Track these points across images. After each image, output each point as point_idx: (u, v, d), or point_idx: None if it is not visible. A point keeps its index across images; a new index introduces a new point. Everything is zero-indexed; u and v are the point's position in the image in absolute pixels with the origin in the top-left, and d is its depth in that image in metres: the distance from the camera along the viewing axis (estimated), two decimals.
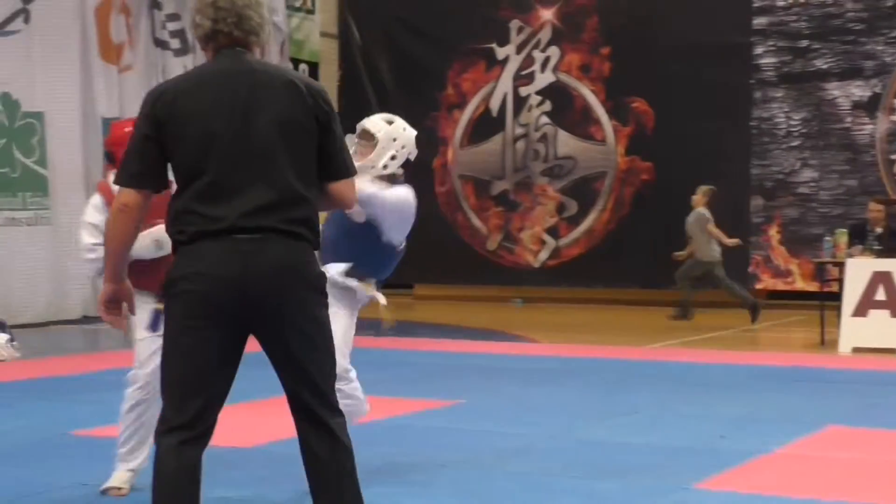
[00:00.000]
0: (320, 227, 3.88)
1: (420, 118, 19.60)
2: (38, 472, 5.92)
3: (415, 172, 21.67)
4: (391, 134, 5.54)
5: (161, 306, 4.99)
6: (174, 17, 16.68)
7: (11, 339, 10.89)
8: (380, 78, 19.98)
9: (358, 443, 6.61)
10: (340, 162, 3.90)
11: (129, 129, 5.27)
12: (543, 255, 19.10)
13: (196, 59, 16.95)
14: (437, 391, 8.85)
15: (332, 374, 3.91)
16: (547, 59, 19.00)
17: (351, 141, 5.35)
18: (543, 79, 19.02)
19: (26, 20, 14.46)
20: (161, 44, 16.47)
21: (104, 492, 5.33)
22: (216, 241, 3.68)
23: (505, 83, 19.27)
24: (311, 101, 3.79)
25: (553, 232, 19.04)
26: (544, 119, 19.02)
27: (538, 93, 19.06)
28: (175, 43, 16.70)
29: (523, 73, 19.16)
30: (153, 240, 5.17)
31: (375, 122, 5.56)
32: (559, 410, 8.01)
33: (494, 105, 19.34)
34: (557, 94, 18.90)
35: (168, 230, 3.79)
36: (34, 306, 14.48)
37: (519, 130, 19.23)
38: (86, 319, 14.78)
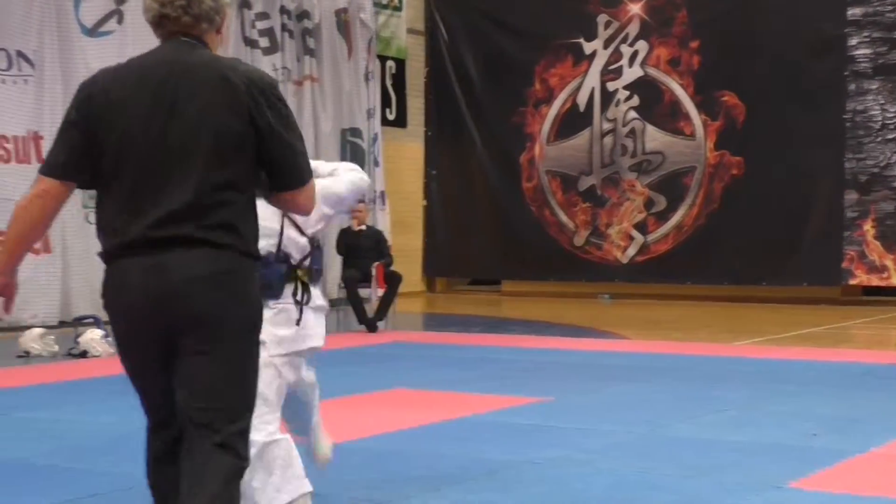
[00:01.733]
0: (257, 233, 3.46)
1: (507, 114, 19.60)
2: (132, 466, 6.00)
3: (502, 169, 21.85)
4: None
5: None
6: (263, 15, 16.84)
7: (105, 335, 11.06)
8: (467, 74, 19.99)
9: (446, 439, 6.65)
10: (287, 169, 3.42)
11: None
12: (631, 251, 18.97)
13: (284, 57, 17.11)
14: (525, 388, 8.82)
15: (238, 413, 3.40)
16: (635, 54, 18.86)
17: None
18: (631, 73, 18.89)
19: (119, 21, 14.68)
20: (250, 42, 16.63)
21: None
22: (127, 259, 3.33)
23: (592, 78, 19.17)
24: (249, 100, 3.35)
25: (641, 227, 18.90)
26: (632, 114, 18.88)
27: (626, 87, 18.94)
28: (264, 41, 16.86)
29: (611, 67, 19.04)
30: None
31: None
32: (649, 408, 7.94)
33: (582, 100, 19.25)
34: (645, 89, 18.76)
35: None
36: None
37: (606, 125, 19.11)
38: None
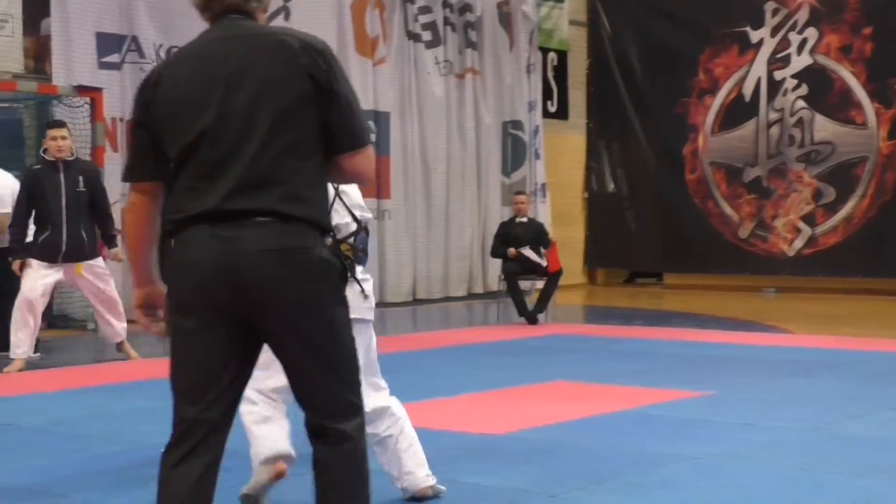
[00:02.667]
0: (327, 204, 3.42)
1: (670, 105, 19.37)
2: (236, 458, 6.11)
3: (665, 160, 21.64)
4: None
5: None
6: (426, 9, 16.98)
7: None
8: (629, 65, 19.82)
9: (607, 433, 6.62)
10: (346, 130, 3.34)
11: None
12: (798, 244, 18.55)
13: (447, 50, 17.23)
14: (688, 381, 8.71)
15: (347, 379, 3.37)
16: (804, 41, 18.41)
17: None
18: (800, 61, 18.45)
19: (286, 17, 15.00)
20: (413, 36, 16.80)
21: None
22: (197, 228, 3.26)
23: (759, 67, 18.79)
24: (306, 60, 3.29)
25: (809, 219, 18.46)
26: (800, 103, 18.44)
27: (794, 76, 18.50)
28: (427, 35, 17.01)
29: (778, 56, 18.63)
30: None
31: None
32: (815, 404, 7.75)
33: (747, 90, 18.89)
34: (815, 77, 18.30)
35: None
36: None
37: (773, 115, 18.71)
38: None
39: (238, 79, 3.30)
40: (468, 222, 17.58)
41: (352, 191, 4.95)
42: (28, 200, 9.46)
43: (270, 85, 3.29)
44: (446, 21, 17.30)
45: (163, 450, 3.36)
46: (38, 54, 13.15)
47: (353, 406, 3.38)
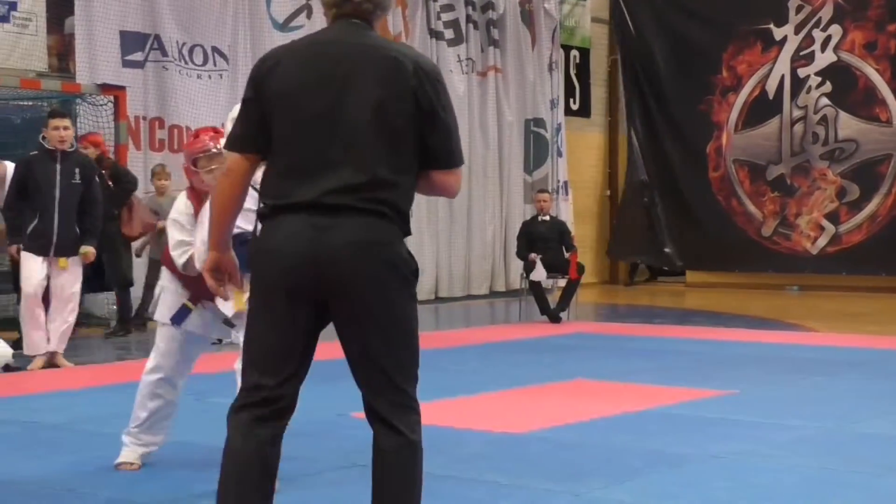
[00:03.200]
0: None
1: (693, 102, 19.31)
2: (316, 451, 6.14)
3: (688, 158, 21.54)
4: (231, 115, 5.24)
5: (189, 303, 5.48)
6: (448, 7, 16.98)
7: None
8: (652, 62, 19.76)
9: (629, 431, 6.60)
10: (442, 150, 3.53)
11: (193, 141, 5.50)
12: (822, 242, 18.48)
13: (469, 48, 17.22)
14: (710, 380, 8.68)
15: (410, 372, 3.59)
16: (828, 38, 18.33)
17: None
18: (824, 59, 18.37)
19: (308, 15, 15.02)
20: (435, 34, 16.79)
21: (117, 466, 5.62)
22: (294, 216, 3.45)
23: (782, 64, 18.72)
24: (416, 82, 3.47)
25: (833, 217, 18.38)
26: (824, 101, 18.37)
27: (818, 73, 18.43)
28: (449, 33, 17.00)
29: (802, 53, 18.56)
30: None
31: None
32: (839, 403, 7.72)
33: (771, 87, 18.82)
34: (839, 75, 18.22)
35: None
36: None
37: (797, 113, 18.64)
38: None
39: (351, 82, 3.48)
40: (490, 220, 17.57)
41: None
42: (20, 187, 9.32)
43: (380, 98, 3.46)
44: (468, 19, 17.29)
45: (230, 410, 3.58)
46: (62, 53, 13.22)
47: (412, 402, 3.60)
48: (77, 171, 9.43)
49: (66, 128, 9.39)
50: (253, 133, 3.56)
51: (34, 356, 9.45)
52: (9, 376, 9.17)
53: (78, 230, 9.47)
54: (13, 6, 12.39)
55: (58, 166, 9.33)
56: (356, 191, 3.43)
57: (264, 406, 3.53)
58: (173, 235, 5.47)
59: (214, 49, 14.10)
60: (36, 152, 9.48)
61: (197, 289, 5.38)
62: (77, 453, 6.12)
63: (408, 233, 3.56)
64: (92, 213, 9.58)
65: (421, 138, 3.50)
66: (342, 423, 6.92)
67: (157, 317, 5.68)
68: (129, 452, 5.68)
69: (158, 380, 5.63)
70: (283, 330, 3.51)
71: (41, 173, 9.32)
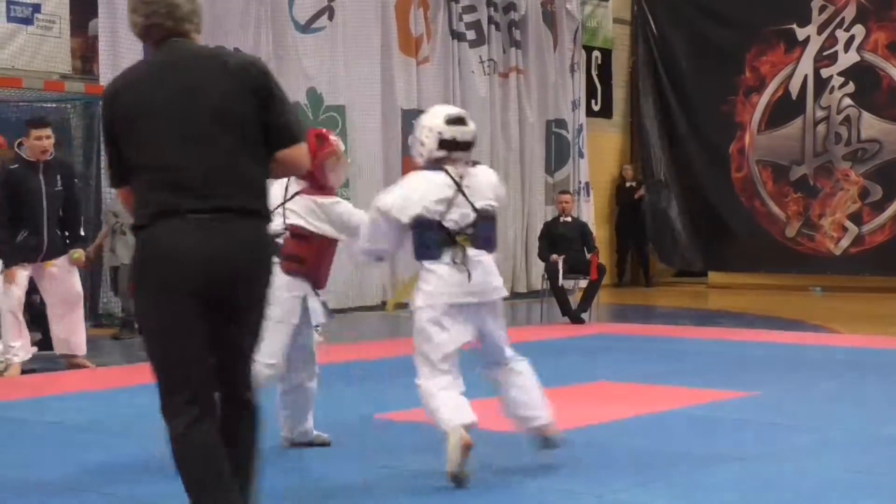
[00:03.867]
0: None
1: (716, 103, 19.25)
2: (343, 454, 6.16)
3: (711, 158, 21.41)
4: (419, 123, 5.66)
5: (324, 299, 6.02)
6: (470, 9, 16.99)
7: (316, 325, 11.32)
8: (674, 63, 19.71)
9: (651, 433, 6.59)
10: (286, 129, 3.93)
11: (322, 145, 5.91)
12: (845, 243, 18.40)
13: (491, 49, 17.22)
14: (732, 382, 8.66)
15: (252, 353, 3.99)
16: (851, 39, 18.24)
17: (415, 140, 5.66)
18: (847, 59, 18.28)
19: (330, 17, 15.05)
20: (457, 35, 16.80)
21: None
22: (175, 221, 3.76)
23: (805, 65, 18.64)
24: (246, 77, 3.88)
25: (856, 218, 18.30)
26: (847, 101, 18.28)
27: (841, 74, 18.35)
28: (471, 34, 17.00)
29: (825, 53, 18.47)
30: None
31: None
32: (862, 405, 7.69)
33: (794, 88, 18.74)
34: (862, 75, 18.13)
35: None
36: (336, 293, 15.04)
37: (820, 113, 18.56)
38: (384, 305, 15.27)
39: (194, 95, 3.85)
40: (512, 222, 17.55)
41: (476, 183, 5.54)
42: (7, 201, 9.07)
43: (223, 100, 3.84)
44: (490, 20, 17.29)
45: (166, 421, 3.84)
46: (86, 55, 13.27)
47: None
48: (59, 178, 9.26)
49: (48, 137, 9.19)
50: (122, 171, 3.95)
51: (15, 363, 9.20)
52: (34, 377, 9.23)
53: (59, 234, 9.32)
54: (37, 8, 12.46)
55: (41, 177, 9.15)
56: (222, 191, 3.79)
57: (193, 406, 3.80)
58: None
59: (237, 50, 14.11)
60: (17, 165, 9.19)
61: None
62: (102, 454, 6.15)
63: (270, 220, 4.01)
64: (76, 216, 9.47)
65: (266, 125, 3.87)
66: (365, 425, 6.94)
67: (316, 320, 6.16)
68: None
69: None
70: (188, 330, 3.78)
71: (26, 186, 9.11)
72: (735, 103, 19.24)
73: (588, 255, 13.42)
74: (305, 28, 14.85)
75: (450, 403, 5.37)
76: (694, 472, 5.66)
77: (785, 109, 18.84)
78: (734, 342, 11.55)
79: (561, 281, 13.27)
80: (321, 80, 14.92)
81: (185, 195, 3.77)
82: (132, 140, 3.87)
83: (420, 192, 5.49)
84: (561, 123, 18.48)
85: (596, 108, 19.86)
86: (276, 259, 4.10)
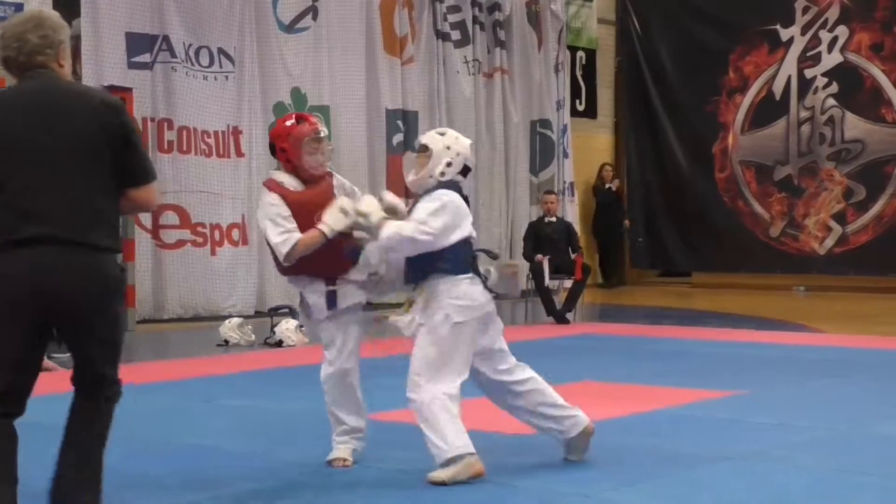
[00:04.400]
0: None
1: (700, 103, 19.29)
2: (328, 454, 6.13)
3: (694, 158, 21.40)
4: (445, 143, 5.73)
5: (333, 287, 5.80)
6: (455, 9, 16.97)
7: (300, 326, 11.32)
8: (658, 63, 19.74)
9: (638, 433, 6.58)
10: (139, 170, 4.29)
11: (290, 122, 5.83)
12: (829, 242, 18.45)
13: (475, 49, 17.21)
14: (719, 382, 8.66)
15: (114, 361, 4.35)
16: (834, 39, 18.29)
17: (410, 157, 5.80)
18: (830, 59, 18.33)
19: (315, 17, 15.01)
20: (442, 35, 16.77)
21: (329, 463, 5.79)
22: (22, 249, 4.11)
23: (789, 65, 18.68)
24: (105, 118, 4.18)
25: (840, 218, 18.35)
26: (831, 101, 18.33)
27: (824, 74, 18.39)
28: (455, 34, 16.98)
29: (809, 54, 18.52)
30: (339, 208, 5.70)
31: (430, 136, 5.83)
32: (848, 404, 7.70)
33: (778, 88, 18.78)
34: (845, 76, 18.18)
35: None
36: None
37: (804, 114, 18.60)
38: (369, 306, 15.21)
39: (51, 127, 4.14)
40: (496, 222, 17.54)
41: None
42: None
43: (78, 137, 4.14)
44: (475, 20, 17.27)
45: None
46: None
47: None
48: None
49: None
50: None
51: None
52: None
53: None
54: (19, 8, 12.39)
55: None
56: (68, 222, 4.11)
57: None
58: (272, 236, 5.71)
59: (221, 51, 14.10)
60: None
61: (327, 272, 5.81)
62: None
63: (119, 251, 4.31)
64: None
65: (116, 162, 4.19)
66: None
67: (315, 317, 5.92)
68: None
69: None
70: (16, 345, 4.20)
71: None
72: (719, 104, 19.27)
73: (573, 256, 13.43)
74: (289, 28, 14.81)
75: (459, 427, 5.46)
76: (681, 471, 5.65)
77: (769, 110, 18.88)
78: (719, 342, 11.56)
79: (546, 281, 13.28)
80: (305, 80, 14.88)
81: (38, 225, 4.08)
82: None
83: (463, 212, 5.75)
84: (545, 124, 18.48)
85: (580, 108, 19.86)
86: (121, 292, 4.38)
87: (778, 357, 10.32)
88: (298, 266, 5.75)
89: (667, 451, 6.11)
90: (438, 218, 5.58)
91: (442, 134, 5.84)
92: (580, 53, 19.84)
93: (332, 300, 5.81)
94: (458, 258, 5.67)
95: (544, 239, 13.55)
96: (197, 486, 5.41)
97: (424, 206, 5.61)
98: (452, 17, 16.92)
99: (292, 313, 11.57)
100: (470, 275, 5.68)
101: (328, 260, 5.76)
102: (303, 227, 5.67)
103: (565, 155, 18.75)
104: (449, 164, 5.70)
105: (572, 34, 19.43)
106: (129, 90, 12.74)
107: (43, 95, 4.21)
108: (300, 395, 7.99)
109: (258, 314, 13.50)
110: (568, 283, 13.61)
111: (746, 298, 16.98)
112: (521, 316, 14.24)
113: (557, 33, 18.66)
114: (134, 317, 12.62)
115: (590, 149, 19.88)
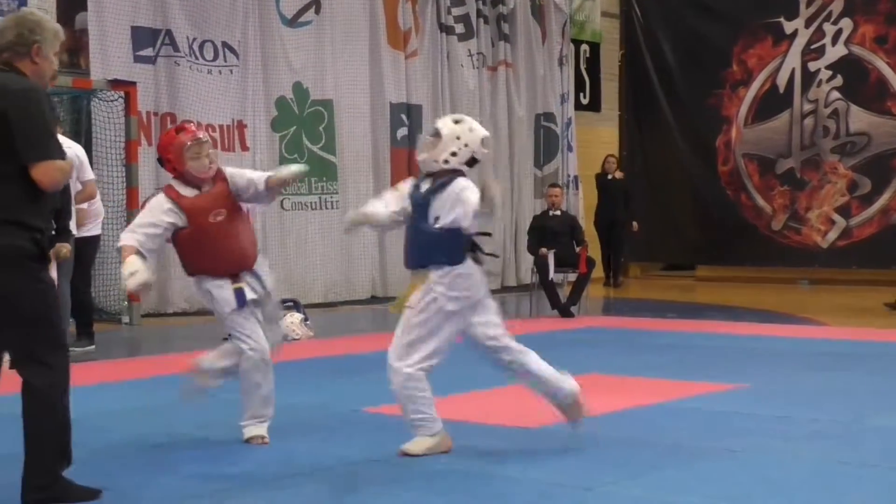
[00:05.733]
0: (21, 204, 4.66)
1: (703, 96, 19.28)
2: (332, 446, 6.15)
3: (697, 151, 21.40)
4: (455, 132, 5.83)
5: (239, 285, 6.04)
6: (459, 2, 16.98)
7: (305, 319, 11.35)
8: (662, 56, 19.73)
9: (642, 425, 6.60)
10: (24, 147, 4.62)
11: (179, 134, 6.06)
12: (832, 236, 18.44)
13: (479, 43, 17.21)
14: (722, 375, 8.67)
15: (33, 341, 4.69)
16: (839, 32, 18.28)
17: (424, 138, 5.97)
18: (834, 52, 18.32)
19: (317, 11, 15.01)
20: (446, 29, 16.78)
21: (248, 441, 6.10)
22: None
23: (793, 58, 18.67)
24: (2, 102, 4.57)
25: (843, 211, 18.34)
26: (835, 94, 18.32)
27: (828, 67, 18.38)
28: (459, 28, 16.99)
29: (813, 46, 18.51)
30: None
31: (445, 121, 5.92)
32: (851, 396, 7.71)
33: (781, 81, 18.78)
34: (850, 68, 18.17)
35: None
36: (325, 287, 15.05)
37: (807, 107, 18.60)
38: (373, 300, 15.26)
39: None
40: (501, 215, 17.54)
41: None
42: None
43: None
44: (479, 13, 17.28)
45: None
46: (73, 48, 13.23)
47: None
48: None
49: None
50: None
51: None
52: None
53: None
54: (23, 2, 12.41)
55: None
56: None
57: None
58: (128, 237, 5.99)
59: (224, 44, 14.11)
60: None
61: (230, 270, 6.13)
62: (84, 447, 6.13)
63: (11, 222, 4.62)
64: (67, 209, 9.43)
65: (10, 147, 4.58)
66: (355, 419, 6.94)
67: (226, 309, 6.13)
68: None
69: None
70: None
71: None
72: (722, 97, 19.27)
73: (577, 249, 13.44)
74: (292, 22, 14.81)
75: (432, 404, 5.74)
76: (684, 464, 5.67)
77: (772, 103, 18.87)
78: (722, 335, 11.57)
79: (551, 275, 13.29)
80: (307, 74, 14.89)
81: None
82: None
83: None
84: (549, 117, 18.48)
85: (584, 101, 19.86)
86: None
87: (781, 350, 10.33)
88: (203, 267, 6.13)
89: (669, 443, 6.12)
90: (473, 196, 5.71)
91: (457, 122, 5.90)
92: (584, 47, 19.83)
93: (241, 297, 6.09)
94: (459, 245, 5.75)
95: (549, 232, 13.55)
96: (212, 479, 5.42)
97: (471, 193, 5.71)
98: (456, 11, 16.93)
99: (297, 307, 11.60)
100: (466, 263, 5.75)
101: (231, 259, 6.10)
102: (199, 230, 6.01)
103: (569, 148, 18.76)
104: (454, 154, 5.79)
105: (576, 27, 19.43)
106: (133, 84, 12.76)
107: None
108: (308, 389, 8.01)
109: None
110: (572, 277, 13.61)
111: (750, 291, 16.98)
112: (526, 309, 14.25)
113: (561, 26, 18.66)
114: (139, 311, 12.66)
115: (594, 142, 19.87)
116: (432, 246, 5.72)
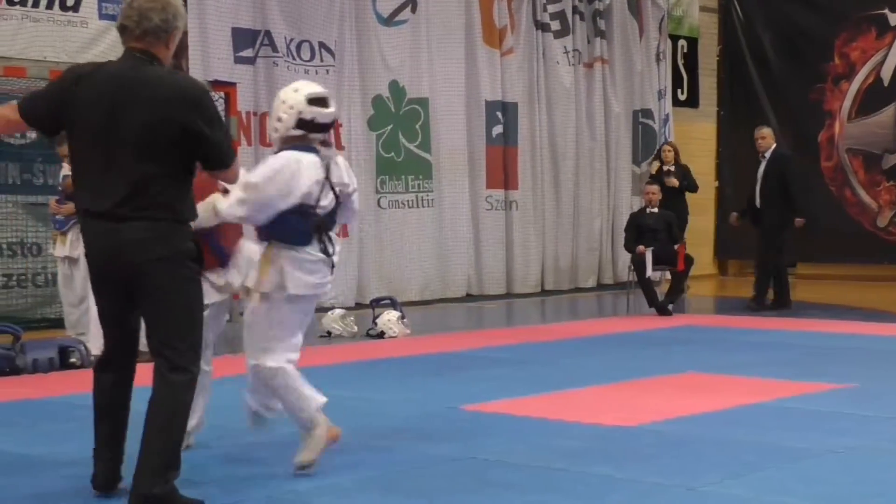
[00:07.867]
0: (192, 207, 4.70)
1: (804, 91, 18.95)
2: (429, 445, 6.15)
3: (799, 147, 21.08)
4: (280, 97, 5.43)
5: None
6: None
7: (402, 317, 11.39)
8: (761, 51, 19.43)
9: (743, 425, 6.50)
10: (211, 155, 4.65)
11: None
12: None
13: (575, 39, 17.11)
14: (825, 374, 8.51)
15: (176, 335, 4.63)
16: None
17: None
18: None
19: (413, 10, 15.05)
20: (542, 26, 16.72)
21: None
22: (94, 221, 4.59)
23: None
24: (177, 109, 4.51)
25: None
26: None
27: None
28: (555, 25, 16.91)
29: None
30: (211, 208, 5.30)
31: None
32: None
33: (886, 74, 18.38)
34: None
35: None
36: (420, 285, 15.09)
37: None
38: (469, 297, 15.25)
39: (122, 109, 4.50)
40: (598, 212, 17.45)
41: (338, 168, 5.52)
42: None
43: (145, 122, 4.49)
44: (575, 10, 17.18)
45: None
46: (175, 50, 13.40)
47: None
48: None
49: None
50: (35, 114, 4.68)
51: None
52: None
53: None
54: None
55: None
56: (130, 201, 4.49)
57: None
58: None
59: (321, 44, 14.21)
60: None
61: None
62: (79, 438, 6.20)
63: (182, 221, 4.62)
64: None
65: (190, 151, 4.56)
66: (452, 416, 6.93)
67: None
68: None
69: None
70: (105, 311, 4.81)
71: None
72: (824, 91, 18.92)
73: (675, 246, 13.30)
74: (388, 21, 14.87)
75: (310, 392, 5.50)
76: (786, 464, 5.57)
77: (876, 97, 18.48)
78: (824, 334, 11.36)
79: (648, 272, 13.17)
80: (403, 72, 14.94)
81: (100, 201, 4.53)
82: (71, 130, 4.64)
83: (293, 177, 5.25)
84: (647, 113, 18.32)
85: (682, 97, 19.65)
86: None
87: (886, 349, 10.11)
88: None
89: (772, 443, 6.02)
90: (258, 187, 5.22)
91: (296, 90, 5.43)
92: (681, 42, 19.62)
93: None
94: (297, 227, 5.32)
95: (646, 230, 13.43)
96: (319, 479, 5.46)
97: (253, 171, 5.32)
98: (552, 8, 16.86)
99: (394, 304, 11.64)
100: (310, 247, 5.35)
101: None
102: None
103: None
104: (279, 120, 5.38)
105: (673, 22, 19.23)
106: (233, 85, 12.91)
107: (121, 81, 4.57)
108: (405, 386, 8.03)
109: (359, 306, 13.62)
110: (670, 275, 13.47)
111: (852, 290, 16.66)
112: (623, 307, 14.15)
113: (658, 22, 18.48)
114: (237, 308, 12.78)
115: (692, 138, 19.63)
116: (273, 221, 5.33)
